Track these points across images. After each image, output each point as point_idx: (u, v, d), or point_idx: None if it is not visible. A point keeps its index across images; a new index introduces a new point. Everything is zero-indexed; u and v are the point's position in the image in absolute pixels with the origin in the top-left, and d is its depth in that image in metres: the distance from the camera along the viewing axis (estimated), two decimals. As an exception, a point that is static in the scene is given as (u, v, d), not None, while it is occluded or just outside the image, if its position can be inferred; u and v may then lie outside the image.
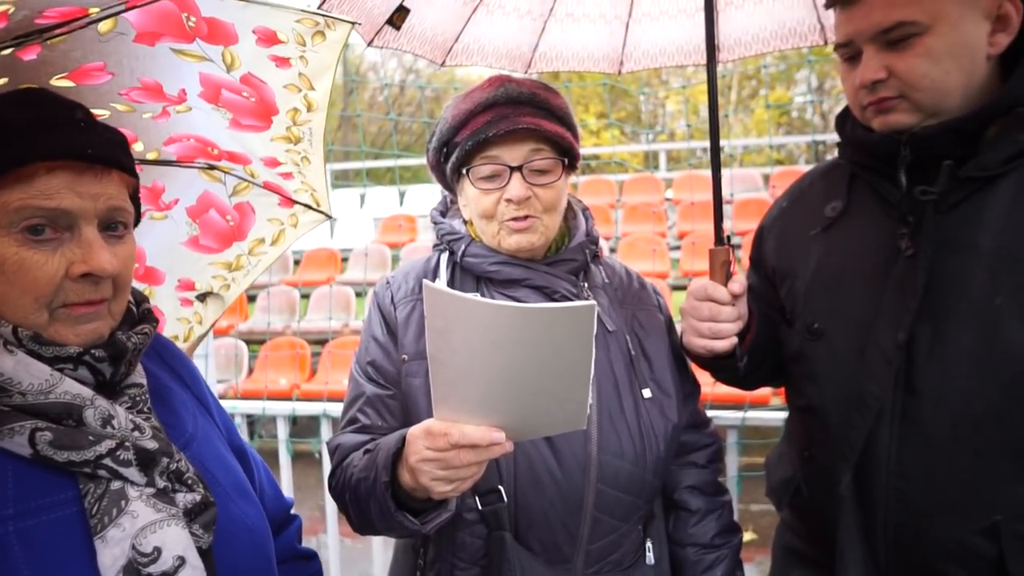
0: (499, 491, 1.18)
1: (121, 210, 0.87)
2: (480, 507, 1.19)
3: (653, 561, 1.30)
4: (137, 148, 1.23)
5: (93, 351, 0.83)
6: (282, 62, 1.11)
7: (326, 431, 2.73)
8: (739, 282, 1.27)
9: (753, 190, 8.24)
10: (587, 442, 1.20)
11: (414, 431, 1.00)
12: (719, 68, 1.40)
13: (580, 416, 0.95)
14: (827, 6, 1.17)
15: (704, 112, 1.36)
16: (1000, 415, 1.03)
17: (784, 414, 1.40)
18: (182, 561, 0.79)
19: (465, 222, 1.35)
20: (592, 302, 0.86)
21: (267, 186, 1.39)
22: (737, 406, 2.55)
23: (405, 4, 1.62)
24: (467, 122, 1.24)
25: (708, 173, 1.38)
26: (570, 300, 1.27)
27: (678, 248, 7.34)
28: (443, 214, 1.41)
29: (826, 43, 1.68)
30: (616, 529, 1.24)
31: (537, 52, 1.85)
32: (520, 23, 1.78)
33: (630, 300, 1.38)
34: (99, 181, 0.84)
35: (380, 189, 10.32)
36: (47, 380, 0.79)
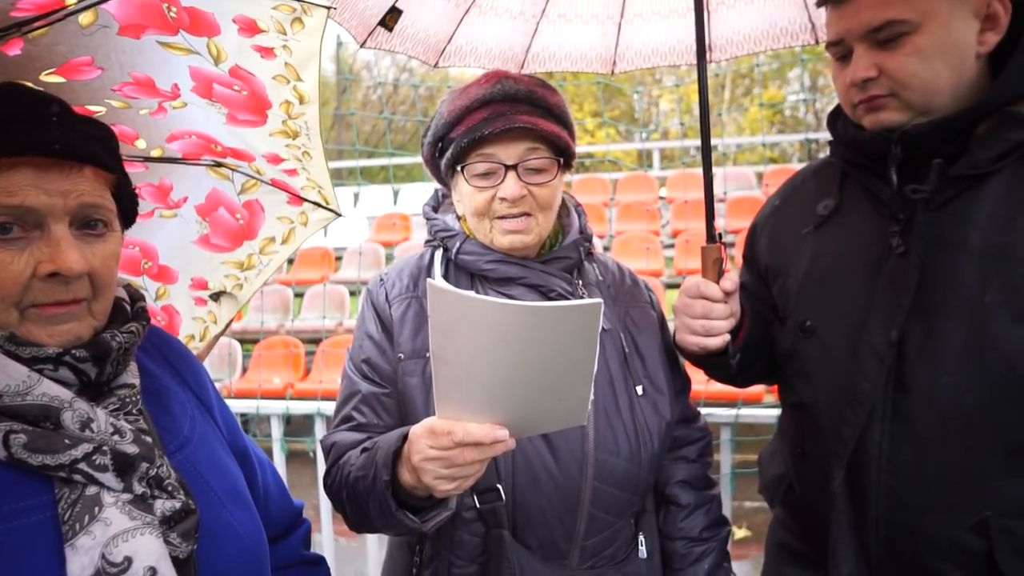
0: (497, 489, 1.18)
1: (97, 207, 0.84)
2: (478, 505, 1.19)
3: (645, 555, 1.31)
4: (140, 145, 1.23)
5: (74, 351, 0.81)
6: (266, 52, 1.11)
7: (320, 430, 2.72)
8: (731, 279, 1.27)
9: (747, 188, 8.25)
10: (584, 440, 1.21)
11: (416, 430, 1.00)
12: (712, 67, 1.40)
13: (581, 411, 0.96)
14: (818, 5, 1.18)
15: (698, 110, 1.36)
16: (990, 412, 1.04)
17: (778, 411, 1.41)
18: (153, 572, 0.76)
19: (458, 217, 1.35)
20: (599, 300, 0.86)
21: (274, 183, 1.39)
22: (731, 403, 2.57)
23: (398, 5, 1.62)
24: (463, 118, 1.24)
25: (701, 171, 1.38)
26: (566, 298, 1.27)
27: (672, 246, 7.36)
28: (435, 209, 1.41)
29: (817, 42, 1.69)
30: (611, 525, 1.25)
31: (530, 53, 1.85)
32: (512, 24, 1.78)
33: (623, 297, 1.38)
34: (67, 177, 0.81)
35: (374, 188, 10.29)
36: (24, 382, 0.77)
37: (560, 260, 1.31)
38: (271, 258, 1.50)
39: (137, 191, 0.98)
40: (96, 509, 0.76)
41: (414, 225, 8.37)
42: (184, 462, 0.90)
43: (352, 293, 6.89)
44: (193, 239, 1.41)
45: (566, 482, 1.19)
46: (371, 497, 1.09)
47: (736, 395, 2.38)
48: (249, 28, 1.07)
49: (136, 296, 0.97)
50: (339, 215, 1.47)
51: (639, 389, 1.28)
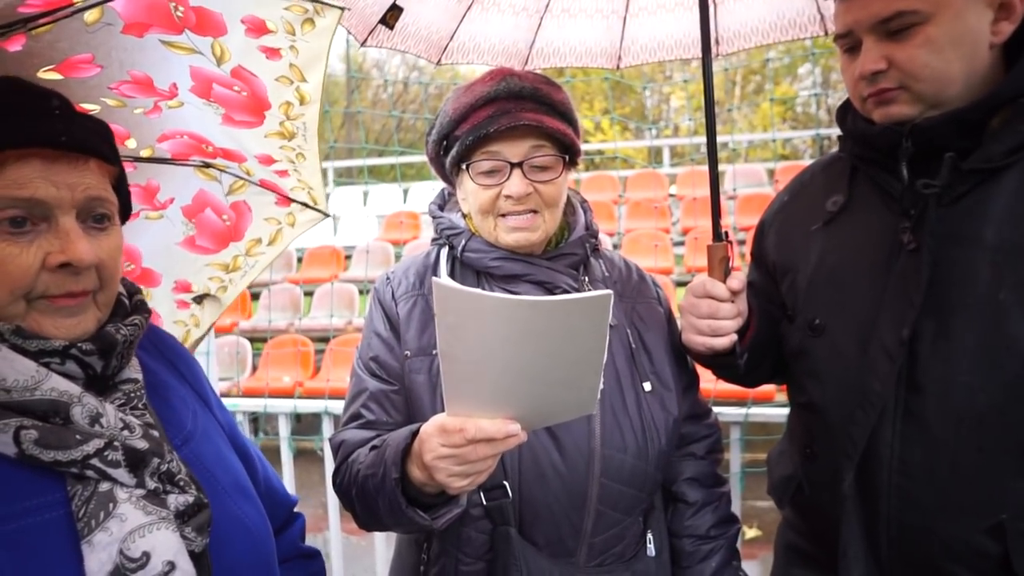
0: (504, 487, 1.18)
1: (102, 200, 0.85)
2: (485, 502, 1.19)
3: (654, 552, 1.30)
4: (130, 145, 1.22)
5: (80, 344, 0.81)
6: (272, 53, 1.10)
7: (328, 428, 2.72)
8: (738, 278, 1.25)
9: (757, 185, 8.19)
10: (590, 437, 1.20)
11: (427, 428, 0.99)
12: (722, 61, 1.39)
13: (591, 401, 0.96)
14: (827, -4, 1.16)
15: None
16: (1004, 411, 1.02)
17: (788, 410, 1.39)
18: (172, 566, 0.76)
19: (464, 215, 1.35)
20: (608, 291, 0.86)
21: (263, 184, 1.38)
22: (740, 402, 2.55)
23: (398, 3, 1.61)
24: (468, 116, 1.24)
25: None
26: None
27: (682, 244, 7.33)
28: (441, 207, 1.41)
29: (826, 34, 1.67)
30: (619, 522, 1.24)
31: (534, 48, 1.83)
32: (516, 20, 1.77)
33: (630, 293, 1.37)
34: (75, 170, 0.81)
35: (383, 186, 10.31)
36: (32, 376, 0.77)
37: (566, 257, 1.30)
38: (257, 259, 1.49)
39: (126, 191, 0.98)
40: (110, 505, 0.76)
41: (423, 224, 8.38)
42: (190, 456, 0.90)
43: (361, 292, 6.90)
44: (178, 241, 1.40)
45: (573, 479, 1.19)
46: (380, 495, 1.09)
47: (746, 394, 2.36)
48: (257, 29, 1.06)
49: (132, 289, 0.97)
50: (327, 215, 1.46)
51: (646, 385, 1.27)
